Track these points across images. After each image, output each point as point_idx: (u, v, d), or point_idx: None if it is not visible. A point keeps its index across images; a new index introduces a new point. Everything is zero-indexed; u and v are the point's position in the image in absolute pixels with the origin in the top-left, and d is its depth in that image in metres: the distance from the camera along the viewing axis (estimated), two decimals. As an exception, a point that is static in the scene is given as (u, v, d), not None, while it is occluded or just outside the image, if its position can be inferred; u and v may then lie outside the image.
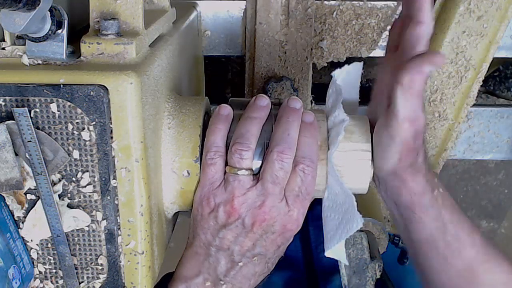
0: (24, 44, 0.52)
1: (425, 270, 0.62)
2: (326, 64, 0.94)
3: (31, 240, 0.54)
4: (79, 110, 0.50)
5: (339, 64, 0.68)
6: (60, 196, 0.52)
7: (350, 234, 0.55)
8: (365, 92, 0.63)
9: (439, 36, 0.84)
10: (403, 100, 0.52)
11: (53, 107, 0.50)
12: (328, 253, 0.58)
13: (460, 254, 0.58)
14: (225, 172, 0.55)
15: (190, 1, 0.89)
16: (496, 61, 0.91)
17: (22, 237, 0.54)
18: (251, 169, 0.54)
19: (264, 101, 0.57)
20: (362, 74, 0.61)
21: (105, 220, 0.53)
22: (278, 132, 0.55)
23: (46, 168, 0.50)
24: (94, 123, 0.50)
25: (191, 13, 0.83)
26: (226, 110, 0.57)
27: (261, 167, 0.55)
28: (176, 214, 0.65)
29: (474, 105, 0.93)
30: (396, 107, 0.52)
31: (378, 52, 0.93)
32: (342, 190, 0.55)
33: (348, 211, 0.55)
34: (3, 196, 0.53)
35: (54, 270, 0.55)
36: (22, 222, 0.54)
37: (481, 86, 0.91)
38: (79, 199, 0.53)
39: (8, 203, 0.53)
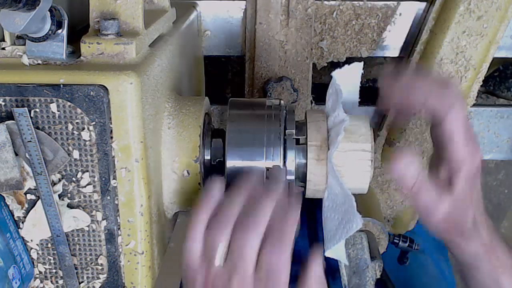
0: (24, 44, 0.52)
1: None
2: (326, 64, 0.94)
3: (31, 240, 0.54)
4: (79, 110, 0.50)
5: (339, 64, 0.68)
6: (60, 196, 0.52)
7: (350, 234, 0.55)
8: (365, 92, 0.63)
9: (439, 36, 0.84)
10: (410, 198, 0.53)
11: (53, 107, 0.50)
12: (328, 253, 0.58)
13: None
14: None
15: (190, 1, 0.89)
16: (496, 61, 0.91)
17: (22, 237, 0.54)
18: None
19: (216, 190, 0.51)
20: (362, 74, 0.61)
21: (105, 220, 0.53)
22: (247, 209, 0.49)
23: (46, 168, 0.50)
24: (94, 123, 0.50)
25: (191, 13, 0.83)
26: (215, 192, 0.51)
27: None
28: (176, 214, 0.65)
29: (474, 105, 0.93)
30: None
31: (378, 52, 0.93)
32: (342, 190, 0.55)
33: (348, 211, 0.55)
34: (3, 196, 0.53)
35: (54, 270, 0.55)
36: (22, 222, 0.54)
37: (481, 86, 0.91)
38: (79, 199, 0.53)
39: (8, 203, 0.53)
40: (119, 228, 0.53)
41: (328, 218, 0.57)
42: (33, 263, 0.55)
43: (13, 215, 0.54)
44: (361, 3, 0.88)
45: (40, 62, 0.52)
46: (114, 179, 0.52)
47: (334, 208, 0.57)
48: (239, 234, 0.48)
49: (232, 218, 0.49)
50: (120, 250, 0.54)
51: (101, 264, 0.55)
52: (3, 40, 0.54)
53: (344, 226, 0.55)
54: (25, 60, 0.52)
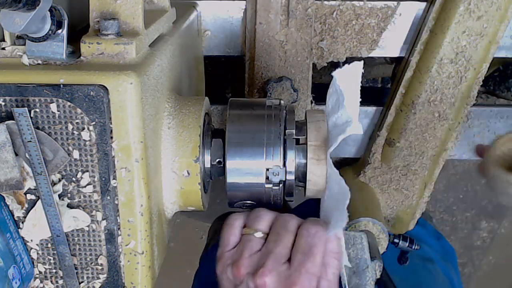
0: (24, 44, 0.52)
1: None
2: (326, 64, 0.94)
3: (31, 240, 0.54)
4: (79, 110, 0.50)
5: (339, 64, 0.68)
6: (60, 196, 0.52)
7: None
8: (365, 92, 0.63)
9: (439, 36, 0.84)
10: None
11: (53, 107, 0.50)
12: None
13: None
14: (241, 235, 0.54)
15: (190, 1, 0.89)
16: (496, 61, 0.91)
17: (22, 237, 0.54)
18: (267, 234, 0.54)
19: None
20: (362, 74, 0.61)
21: (105, 220, 0.53)
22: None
23: (46, 168, 0.50)
24: (94, 123, 0.50)
25: (191, 13, 0.83)
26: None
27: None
28: (176, 214, 0.65)
29: (474, 105, 0.93)
30: None
31: (378, 52, 0.93)
32: (339, 187, 0.55)
33: (339, 208, 0.54)
34: (3, 196, 0.53)
35: (54, 270, 0.55)
36: (22, 222, 0.54)
37: (481, 86, 0.91)
38: (79, 199, 0.53)
39: (8, 203, 0.53)
40: (119, 228, 0.53)
41: (324, 217, 0.57)
42: (33, 263, 0.55)
43: (13, 215, 0.54)
44: (361, 3, 0.88)
45: (40, 62, 0.52)
46: (114, 179, 0.52)
47: (331, 206, 0.57)
48: (280, 217, 0.54)
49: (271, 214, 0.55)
50: (120, 250, 0.54)
51: (101, 264, 0.55)
52: (3, 40, 0.54)
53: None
54: (25, 60, 0.52)
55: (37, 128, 0.50)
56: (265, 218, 0.54)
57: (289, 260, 0.51)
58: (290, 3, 0.85)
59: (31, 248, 0.55)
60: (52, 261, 0.55)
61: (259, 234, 0.53)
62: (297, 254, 0.51)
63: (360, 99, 0.63)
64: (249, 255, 0.52)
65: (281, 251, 0.51)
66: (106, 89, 0.49)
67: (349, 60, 0.79)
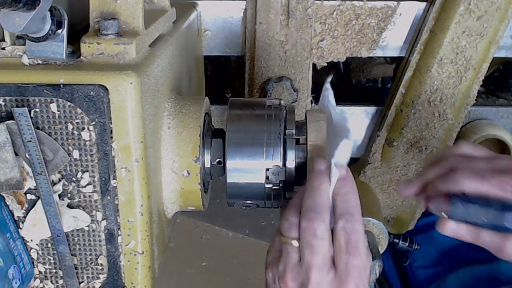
0: (24, 44, 0.52)
1: None
2: (326, 64, 0.94)
3: (31, 240, 0.54)
4: (79, 110, 0.50)
5: (339, 64, 0.67)
6: (60, 196, 0.52)
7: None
8: (365, 92, 0.63)
9: (439, 36, 0.84)
10: None
11: (53, 107, 0.50)
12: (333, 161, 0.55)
13: None
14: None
15: (190, 1, 0.89)
16: (496, 61, 0.91)
17: (22, 237, 0.54)
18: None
19: (323, 165, 0.53)
20: (362, 74, 0.61)
21: (105, 220, 0.53)
22: (305, 201, 0.51)
23: (46, 168, 0.50)
24: (94, 123, 0.50)
25: (191, 13, 0.83)
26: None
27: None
28: (176, 214, 0.65)
29: (474, 105, 0.93)
30: None
31: (378, 52, 0.93)
32: (339, 119, 0.54)
33: (342, 129, 0.54)
34: (3, 196, 0.53)
35: (54, 270, 0.55)
36: (22, 222, 0.54)
37: (481, 86, 0.91)
38: (79, 199, 0.53)
39: (8, 203, 0.53)
40: (119, 228, 0.53)
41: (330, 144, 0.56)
42: (33, 263, 0.55)
43: (13, 215, 0.54)
44: (361, 3, 0.88)
45: (40, 62, 0.52)
46: (114, 179, 0.52)
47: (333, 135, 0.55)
48: (307, 222, 0.50)
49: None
50: (120, 250, 0.54)
51: (101, 264, 0.55)
52: (3, 40, 0.54)
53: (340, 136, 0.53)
54: (25, 60, 0.52)
55: (37, 128, 0.50)
56: (294, 223, 0.51)
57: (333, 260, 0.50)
58: (290, 3, 0.85)
59: (31, 248, 0.55)
60: (52, 261, 0.55)
61: (295, 243, 0.51)
62: (341, 256, 0.49)
63: (359, 100, 0.62)
64: (291, 269, 0.50)
65: (320, 261, 0.49)
66: (106, 89, 0.49)
67: (349, 59, 0.79)
